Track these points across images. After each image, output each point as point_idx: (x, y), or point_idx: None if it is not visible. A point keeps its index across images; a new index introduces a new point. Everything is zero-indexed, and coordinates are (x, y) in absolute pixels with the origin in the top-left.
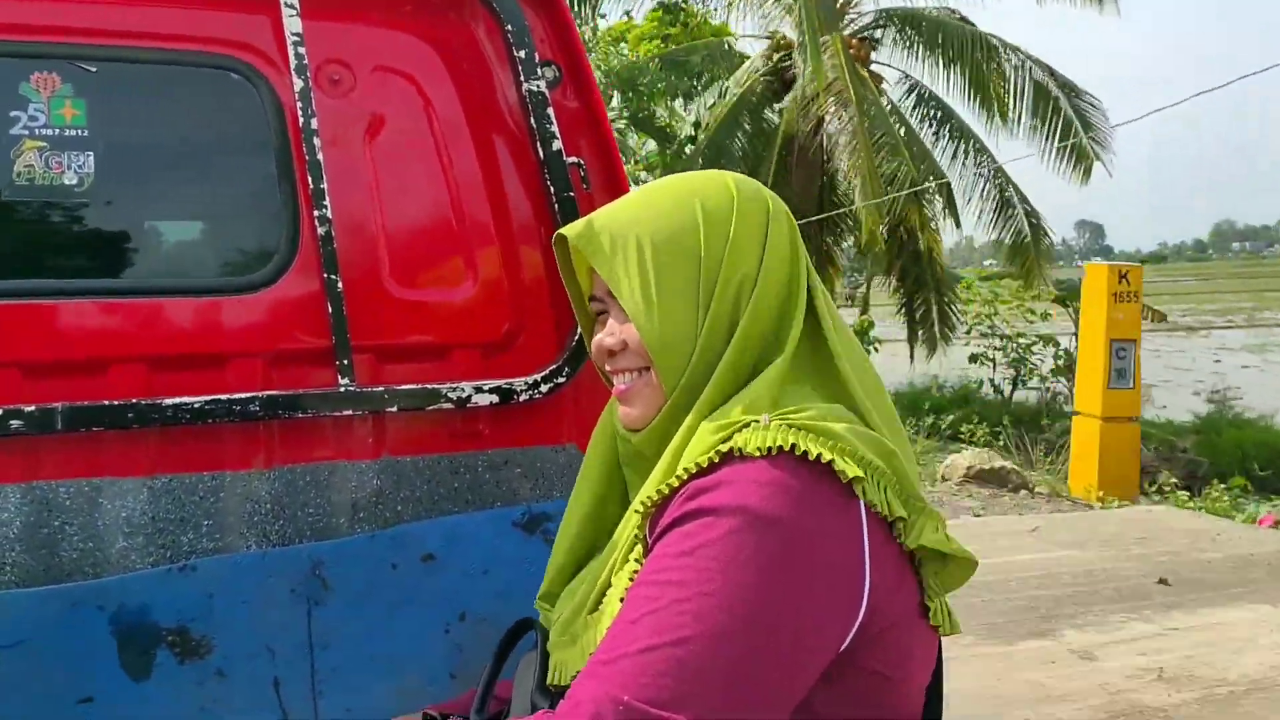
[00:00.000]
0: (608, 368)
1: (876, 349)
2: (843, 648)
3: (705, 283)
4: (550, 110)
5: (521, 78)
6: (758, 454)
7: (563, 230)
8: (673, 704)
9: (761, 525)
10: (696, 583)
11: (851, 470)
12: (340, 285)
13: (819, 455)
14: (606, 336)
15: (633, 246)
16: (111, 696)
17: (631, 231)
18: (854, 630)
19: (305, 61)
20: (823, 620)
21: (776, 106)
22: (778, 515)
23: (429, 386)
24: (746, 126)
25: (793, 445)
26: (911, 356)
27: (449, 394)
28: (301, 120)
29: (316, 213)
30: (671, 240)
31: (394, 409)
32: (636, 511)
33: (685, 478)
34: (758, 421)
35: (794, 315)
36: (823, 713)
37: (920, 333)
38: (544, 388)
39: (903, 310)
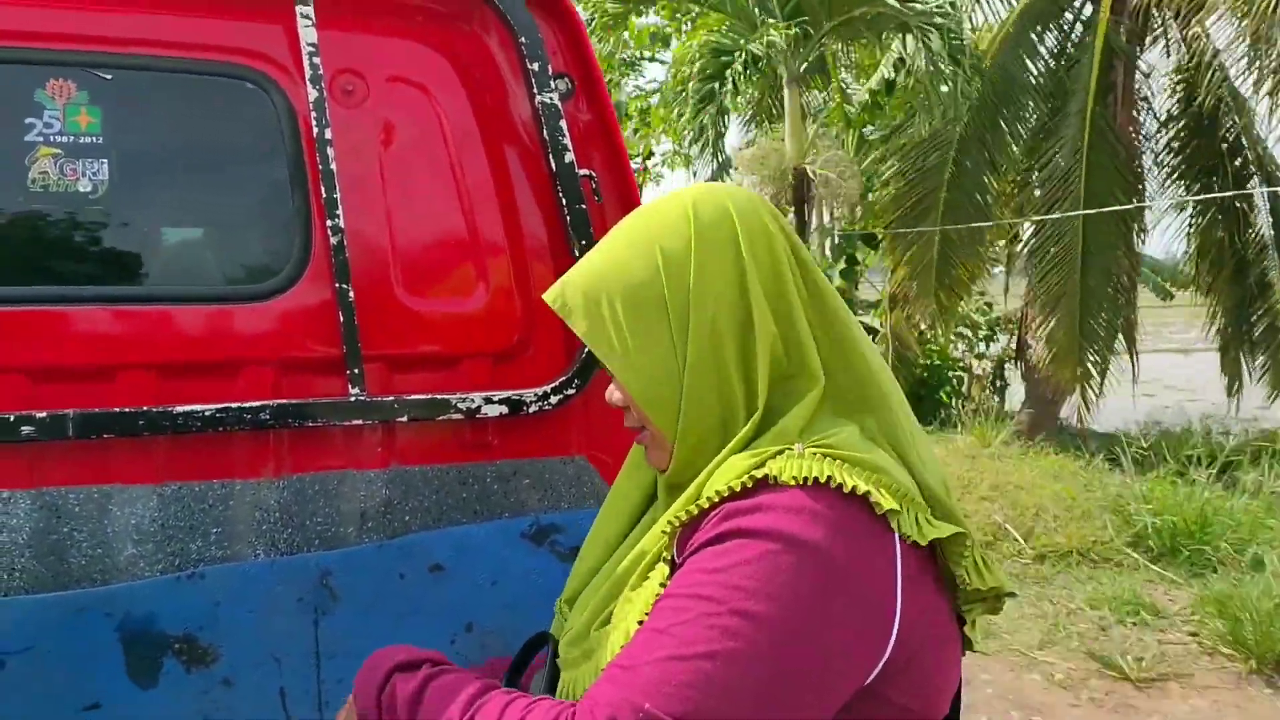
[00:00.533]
0: (625, 422)
1: None
2: (869, 680)
3: (677, 329)
4: (563, 122)
5: (534, 90)
6: (793, 482)
7: (544, 296)
8: (684, 714)
9: (798, 551)
10: (729, 600)
11: (887, 503)
12: (351, 294)
13: (854, 487)
14: (613, 392)
15: (604, 306)
16: (118, 703)
17: (600, 290)
18: (882, 662)
19: (320, 71)
20: (852, 649)
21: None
22: (814, 543)
23: (439, 397)
24: (1048, 43)
25: (829, 477)
26: None
27: (458, 404)
28: (315, 130)
29: (329, 222)
30: (636, 293)
31: (403, 419)
32: (664, 532)
33: (717, 500)
34: (790, 449)
35: (797, 330)
36: None
37: None
38: (553, 399)
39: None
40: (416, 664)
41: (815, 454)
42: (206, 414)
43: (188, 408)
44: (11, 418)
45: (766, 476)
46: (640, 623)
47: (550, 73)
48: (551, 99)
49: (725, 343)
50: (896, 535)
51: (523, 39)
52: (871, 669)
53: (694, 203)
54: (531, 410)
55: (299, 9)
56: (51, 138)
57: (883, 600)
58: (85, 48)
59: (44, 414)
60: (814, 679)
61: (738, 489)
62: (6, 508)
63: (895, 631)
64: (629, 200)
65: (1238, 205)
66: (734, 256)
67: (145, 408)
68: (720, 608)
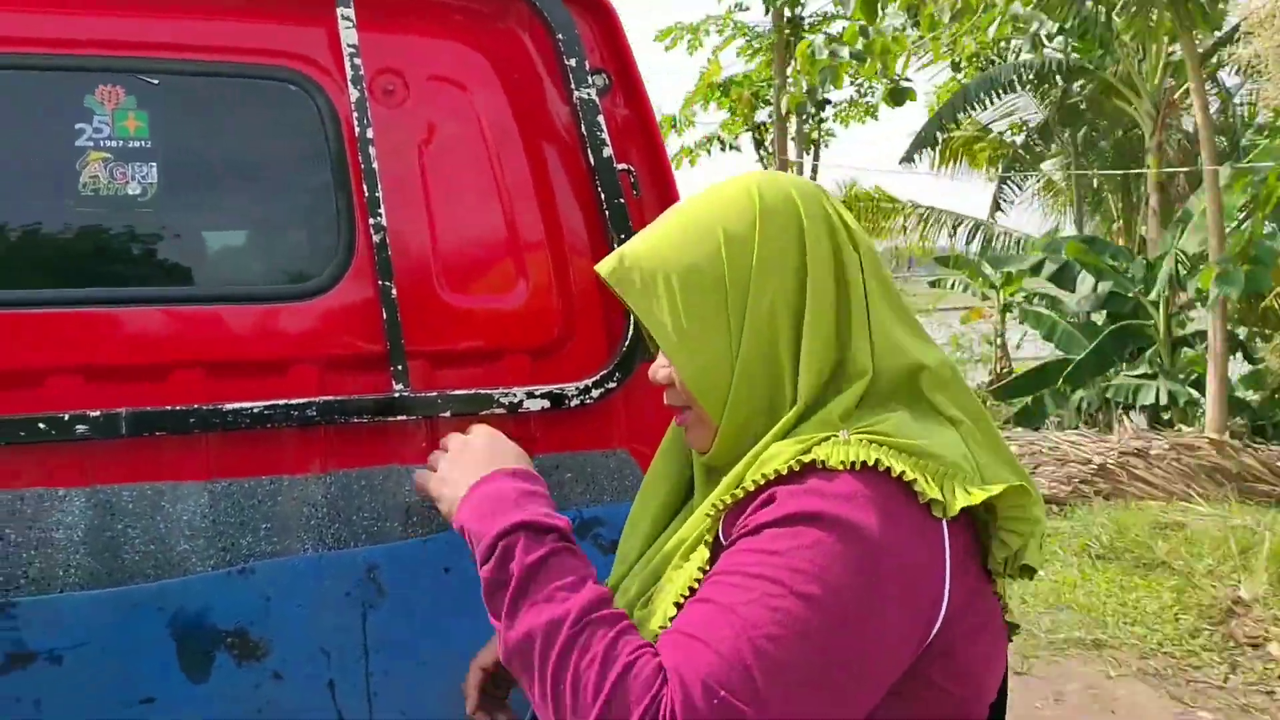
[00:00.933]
0: (665, 399)
1: None
2: (914, 661)
3: (734, 311)
4: (600, 117)
5: (572, 85)
6: (841, 467)
7: (597, 267)
8: (752, 696)
9: (852, 537)
10: (789, 582)
11: (931, 491)
12: (394, 292)
13: (901, 472)
14: (658, 369)
15: (661, 283)
16: (172, 697)
17: (659, 267)
18: (927, 643)
19: (361, 72)
20: (902, 633)
21: None
22: (866, 527)
23: (481, 392)
24: None
25: (876, 461)
26: None
27: (501, 399)
28: (357, 130)
29: (371, 220)
30: (696, 272)
31: (447, 414)
32: (708, 515)
33: (763, 483)
34: (836, 436)
35: (852, 322)
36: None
37: None
38: (595, 393)
39: None
40: (545, 529)
41: (862, 440)
42: (255, 411)
43: (237, 405)
44: (66, 417)
45: (815, 461)
46: (678, 604)
47: (587, 68)
48: (589, 94)
49: (781, 329)
50: (944, 521)
51: (559, 35)
52: (917, 649)
53: (759, 187)
54: (573, 404)
55: (340, 11)
56: (101, 142)
57: (931, 584)
58: (132, 53)
59: (97, 413)
60: (867, 661)
61: (784, 472)
62: (62, 505)
63: (941, 615)
64: (667, 193)
65: None
66: (796, 244)
67: (196, 406)
68: (780, 589)
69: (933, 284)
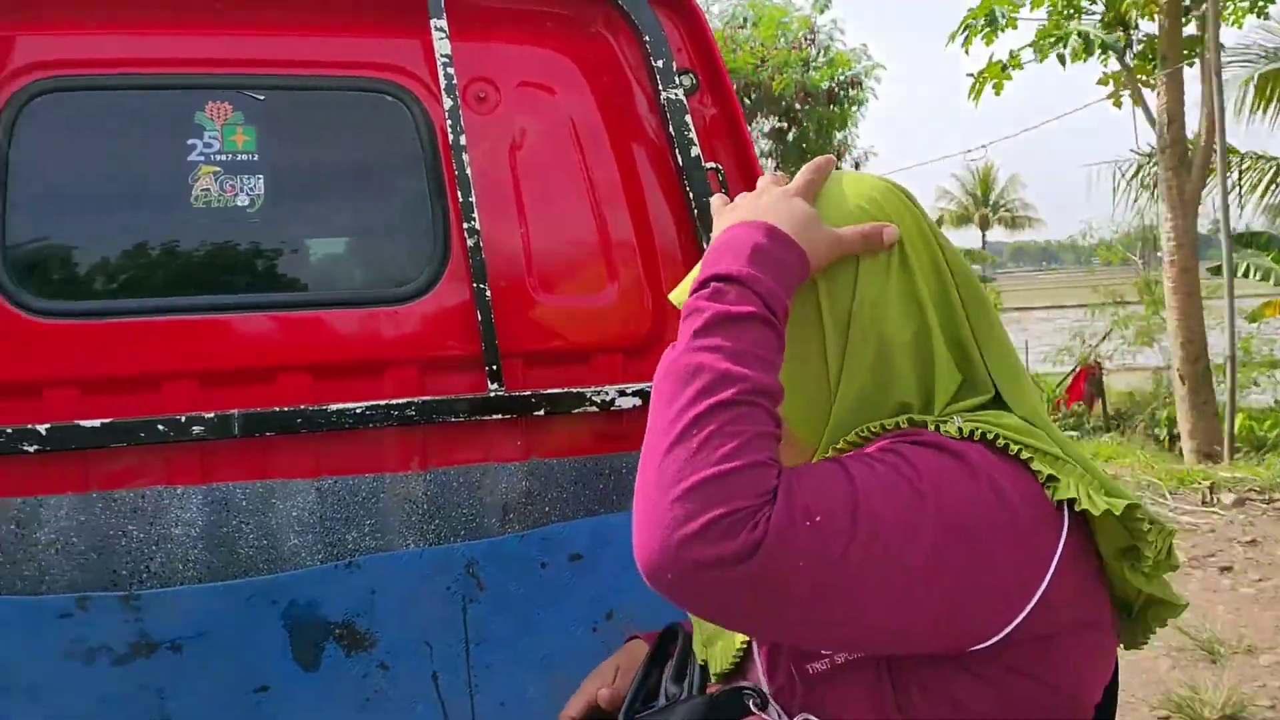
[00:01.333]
0: None
1: None
2: (995, 639)
3: (832, 332)
4: (688, 117)
5: (659, 86)
6: (957, 435)
7: (670, 297)
8: (841, 536)
9: (974, 472)
10: (908, 474)
11: (1065, 486)
12: (489, 294)
13: (1018, 450)
14: None
15: None
16: (285, 686)
17: None
18: (1011, 626)
19: (454, 81)
20: (990, 595)
21: None
22: (989, 471)
23: (574, 390)
24: None
25: (995, 435)
26: None
27: (593, 397)
28: (451, 137)
29: (465, 225)
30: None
31: (541, 412)
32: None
33: (869, 435)
34: (943, 422)
35: (961, 335)
36: (974, 709)
37: None
38: None
39: None
40: (765, 295)
41: (971, 423)
42: (358, 411)
43: (341, 406)
44: (183, 418)
45: (927, 423)
46: None
47: (674, 69)
48: (676, 95)
49: (891, 349)
50: (1065, 514)
51: (647, 38)
52: (999, 626)
53: (851, 186)
54: None
55: (433, 23)
56: (212, 156)
57: (1036, 565)
58: (239, 70)
59: (212, 414)
60: (948, 577)
61: (890, 428)
62: (181, 503)
63: (1034, 601)
64: None
65: None
66: (896, 256)
67: (303, 407)
68: (900, 477)
69: (1214, 271)
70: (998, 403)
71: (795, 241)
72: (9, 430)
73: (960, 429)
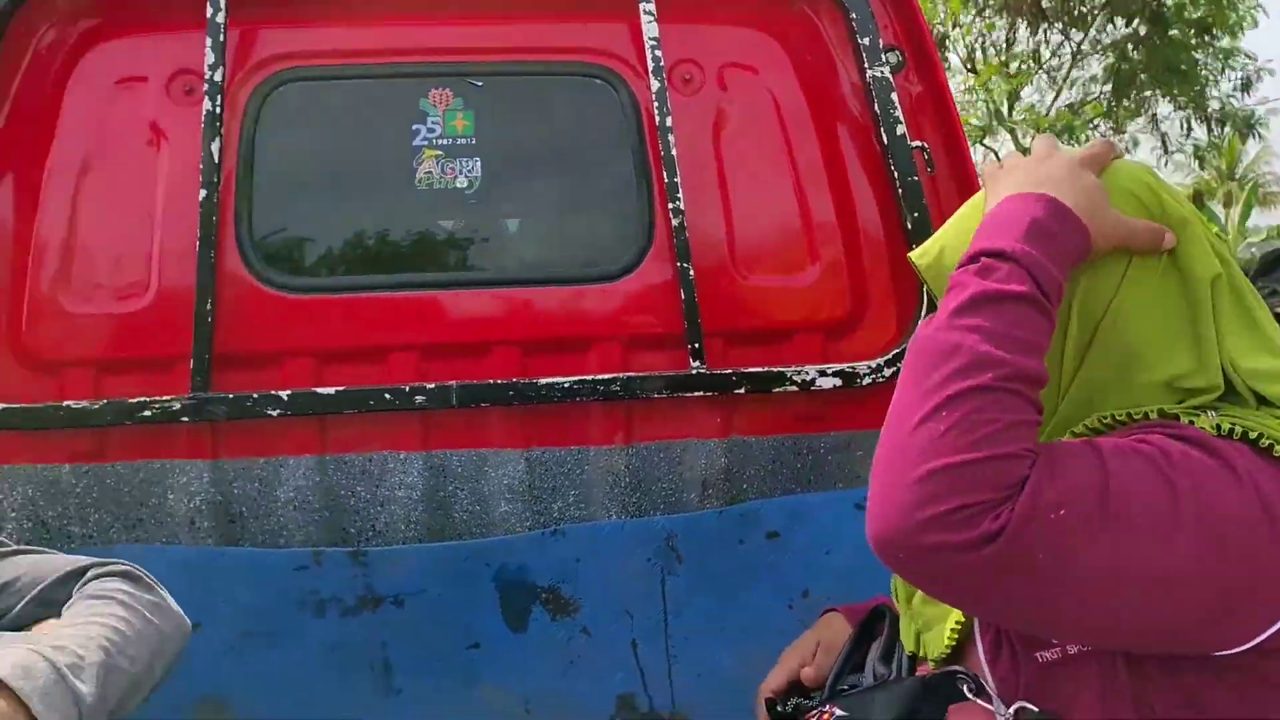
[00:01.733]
0: None
1: None
2: (1245, 646)
3: (1080, 324)
4: (894, 95)
5: (865, 64)
6: (1211, 431)
7: (911, 256)
8: (1086, 530)
9: (1235, 475)
10: (1162, 465)
11: None
12: (692, 273)
13: None
14: None
15: None
16: (495, 645)
17: None
18: (1265, 635)
19: (661, 64)
20: (1244, 602)
21: None
22: (1254, 480)
23: (774, 370)
24: None
25: (1259, 435)
26: None
27: (793, 377)
28: (657, 119)
29: (670, 205)
30: None
31: (741, 391)
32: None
33: (1113, 423)
34: (1195, 415)
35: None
36: (1215, 715)
37: None
38: (887, 371)
39: None
40: (1039, 276)
41: (1228, 418)
42: (565, 386)
43: (549, 380)
44: (407, 388)
45: (1178, 417)
46: None
47: (880, 46)
48: (882, 72)
49: (1137, 354)
50: None
51: (853, 15)
52: (1249, 637)
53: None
54: (865, 382)
55: (642, 6)
56: (434, 141)
57: None
58: (459, 58)
59: (432, 385)
60: (1192, 586)
61: (1139, 418)
62: (404, 467)
63: None
64: (963, 170)
65: None
66: (1165, 260)
67: (514, 380)
68: (1154, 468)
69: None
70: (1229, 397)
71: (1080, 219)
72: (255, 395)
73: (1219, 426)
